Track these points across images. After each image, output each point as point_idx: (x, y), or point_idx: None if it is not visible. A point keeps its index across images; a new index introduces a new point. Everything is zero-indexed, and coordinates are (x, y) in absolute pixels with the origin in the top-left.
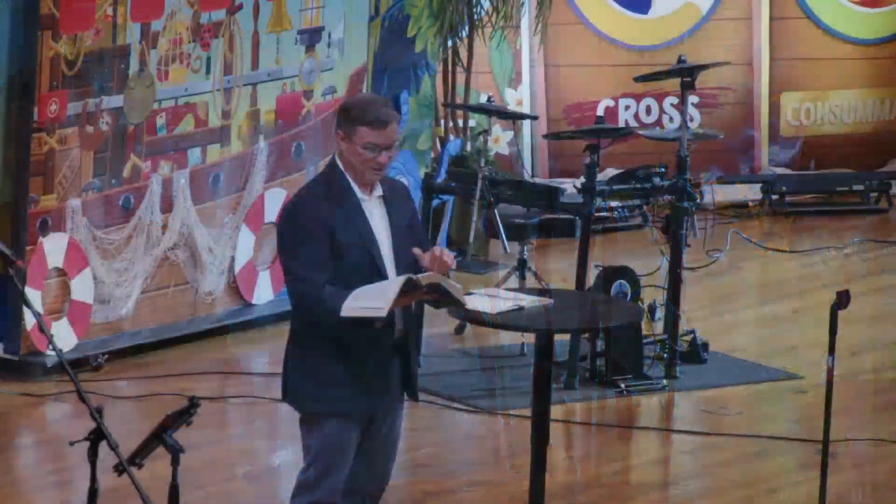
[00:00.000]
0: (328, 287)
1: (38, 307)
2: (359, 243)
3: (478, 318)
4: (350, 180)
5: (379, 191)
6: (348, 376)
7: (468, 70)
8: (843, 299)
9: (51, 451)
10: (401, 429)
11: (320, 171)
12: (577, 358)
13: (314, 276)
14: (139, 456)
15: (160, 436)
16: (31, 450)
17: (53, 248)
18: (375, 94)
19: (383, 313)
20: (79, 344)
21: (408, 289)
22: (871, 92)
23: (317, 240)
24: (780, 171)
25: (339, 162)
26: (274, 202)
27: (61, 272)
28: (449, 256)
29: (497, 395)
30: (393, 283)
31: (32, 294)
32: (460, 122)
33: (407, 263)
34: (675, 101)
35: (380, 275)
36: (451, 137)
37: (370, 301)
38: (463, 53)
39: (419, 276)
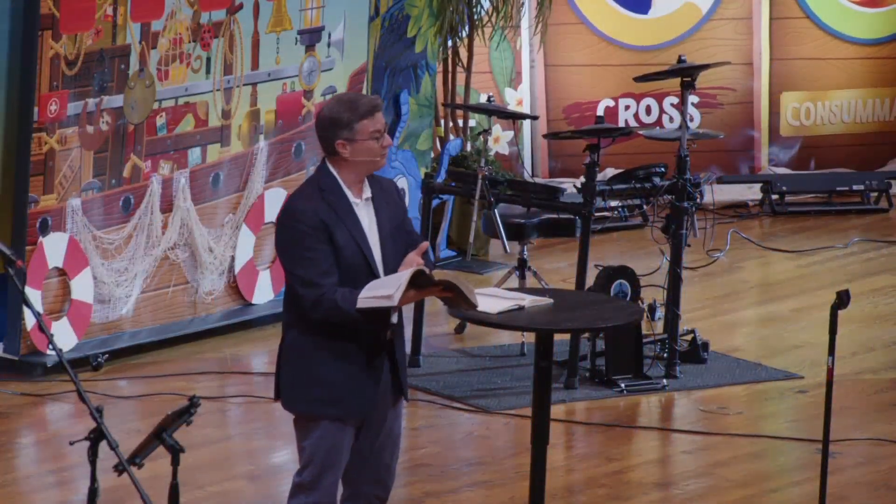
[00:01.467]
0: (340, 290)
1: (38, 307)
2: (353, 245)
3: (478, 318)
4: (342, 183)
5: (367, 192)
6: (340, 378)
7: (468, 70)
8: (843, 299)
9: (51, 451)
10: (401, 430)
11: (311, 176)
12: (577, 358)
13: (325, 281)
14: (139, 456)
15: (160, 435)
16: (31, 450)
17: (53, 248)
18: (384, 93)
19: (395, 302)
20: (79, 344)
21: (420, 283)
22: (871, 92)
23: (321, 244)
24: (780, 171)
25: (330, 166)
26: (274, 202)
27: (61, 272)
28: (419, 260)
29: (497, 395)
30: (404, 273)
31: (32, 294)
32: (460, 122)
33: (396, 265)
34: (675, 101)
35: (374, 276)
36: (451, 137)
37: (382, 290)
38: (463, 53)
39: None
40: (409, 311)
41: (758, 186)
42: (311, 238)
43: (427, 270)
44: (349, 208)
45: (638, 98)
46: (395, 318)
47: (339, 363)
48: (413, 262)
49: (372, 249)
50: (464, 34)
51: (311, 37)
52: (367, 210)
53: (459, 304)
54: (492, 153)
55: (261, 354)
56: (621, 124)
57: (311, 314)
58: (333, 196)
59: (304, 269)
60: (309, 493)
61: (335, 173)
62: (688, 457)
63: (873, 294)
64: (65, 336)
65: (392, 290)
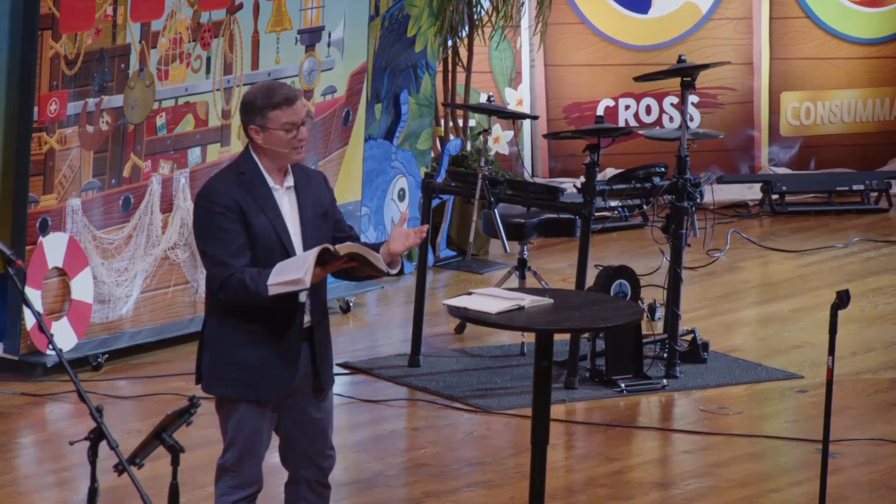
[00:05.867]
0: (248, 270)
1: (38, 307)
2: (270, 231)
3: (478, 318)
4: (262, 169)
5: (290, 181)
6: (257, 361)
7: (468, 70)
8: (843, 299)
9: (51, 451)
10: (328, 419)
11: (233, 161)
12: (577, 358)
13: (235, 261)
14: (139, 456)
15: (160, 436)
16: (31, 450)
17: (53, 248)
18: (384, 93)
19: (306, 285)
20: (79, 344)
21: (326, 259)
22: (871, 92)
23: (233, 224)
24: (780, 170)
25: (252, 152)
26: None
27: (61, 272)
28: (414, 234)
29: (497, 395)
30: (310, 254)
31: (32, 294)
32: (460, 122)
33: None
34: (675, 100)
35: None
36: (451, 137)
37: (290, 274)
38: (463, 53)
39: (336, 246)
40: (408, 311)
41: (758, 186)
42: (223, 218)
43: (332, 248)
44: (268, 194)
45: (638, 98)
46: (303, 297)
47: (257, 347)
48: (407, 235)
49: (291, 236)
50: (464, 34)
51: (311, 36)
52: (289, 197)
53: (366, 271)
54: (492, 153)
55: None
56: (621, 124)
57: (220, 294)
58: (252, 180)
59: (214, 249)
60: (232, 475)
61: (256, 158)
62: (688, 457)
63: (873, 294)
64: (65, 336)
65: (301, 274)
